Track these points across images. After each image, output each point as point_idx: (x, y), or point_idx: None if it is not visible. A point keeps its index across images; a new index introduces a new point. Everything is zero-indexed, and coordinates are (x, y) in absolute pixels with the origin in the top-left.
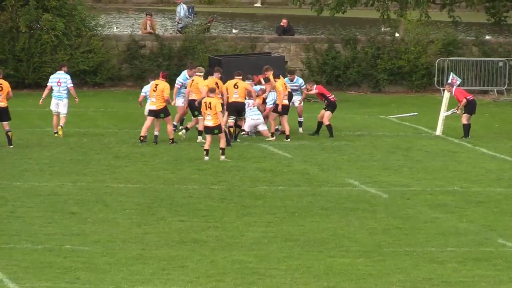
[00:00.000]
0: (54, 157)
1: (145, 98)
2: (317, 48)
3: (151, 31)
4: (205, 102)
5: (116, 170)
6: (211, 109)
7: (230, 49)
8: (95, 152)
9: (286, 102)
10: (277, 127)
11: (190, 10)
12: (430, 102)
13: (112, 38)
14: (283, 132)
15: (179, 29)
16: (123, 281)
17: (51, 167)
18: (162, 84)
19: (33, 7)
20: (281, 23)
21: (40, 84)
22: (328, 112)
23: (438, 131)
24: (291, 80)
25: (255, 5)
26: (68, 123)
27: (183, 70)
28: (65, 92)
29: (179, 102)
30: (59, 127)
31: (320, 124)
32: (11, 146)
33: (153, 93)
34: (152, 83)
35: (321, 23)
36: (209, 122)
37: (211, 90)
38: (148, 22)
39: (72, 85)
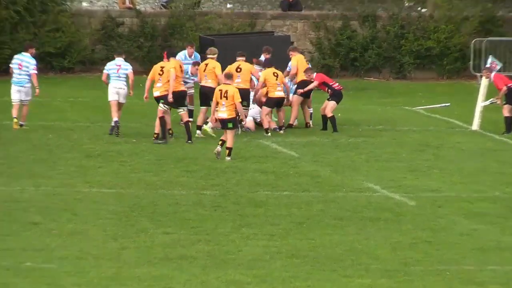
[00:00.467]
0: (13, 156)
1: (109, 77)
2: (329, 26)
3: (131, 5)
4: (221, 90)
5: (88, 172)
6: (227, 99)
7: (225, 27)
8: (63, 151)
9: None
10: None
11: None
12: (464, 90)
13: (84, 14)
14: (290, 125)
15: (164, 3)
16: None
17: (9, 168)
18: (169, 65)
19: None
20: None
21: None
22: (333, 102)
23: (475, 125)
24: None
25: None
26: (30, 115)
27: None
28: (28, 77)
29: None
30: (14, 118)
31: (324, 117)
32: None
33: (159, 77)
34: (156, 65)
35: None
36: (224, 113)
37: (228, 76)
38: None
39: (35, 71)
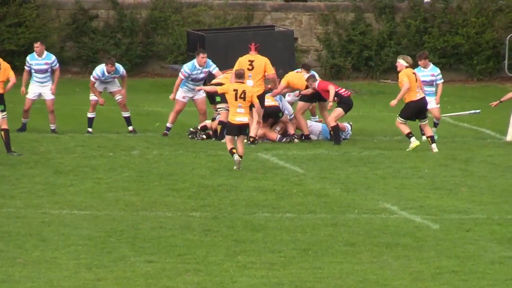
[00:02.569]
0: None
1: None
2: (339, 20)
3: None
4: (236, 90)
5: (57, 191)
6: (244, 100)
7: (217, 20)
8: (27, 166)
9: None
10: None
11: None
12: (498, 94)
13: (51, 6)
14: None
15: None
16: None
17: None
18: (260, 59)
19: None
20: None
21: None
22: (339, 110)
23: (510, 135)
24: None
25: None
26: None
27: (149, 49)
28: None
29: (179, 95)
30: None
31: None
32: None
33: (249, 72)
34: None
35: None
36: (243, 117)
37: (239, 75)
38: None
39: None
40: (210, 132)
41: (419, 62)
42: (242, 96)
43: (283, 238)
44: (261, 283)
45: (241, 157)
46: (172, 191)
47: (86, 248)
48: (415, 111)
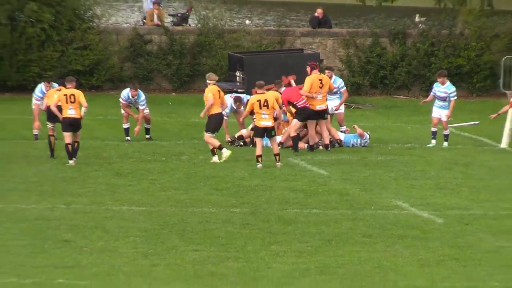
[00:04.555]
0: (43, 175)
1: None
2: (359, 44)
3: (159, 23)
4: (259, 100)
5: (118, 190)
6: (267, 108)
7: (254, 44)
8: (92, 169)
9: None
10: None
11: None
12: (494, 108)
13: (112, 32)
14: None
15: (175, 20)
16: None
17: (40, 187)
18: (326, 78)
19: None
20: (316, 14)
21: (25, 86)
22: (295, 121)
23: (504, 143)
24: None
25: None
26: (58, 134)
27: (195, 69)
28: None
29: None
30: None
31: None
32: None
33: (319, 89)
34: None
35: (365, 13)
36: (268, 121)
37: (260, 86)
38: (156, 12)
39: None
40: (247, 140)
41: (438, 79)
42: (265, 104)
43: (310, 230)
44: (292, 268)
45: (277, 155)
46: (216, 190)
47: (143, 239)
48: None
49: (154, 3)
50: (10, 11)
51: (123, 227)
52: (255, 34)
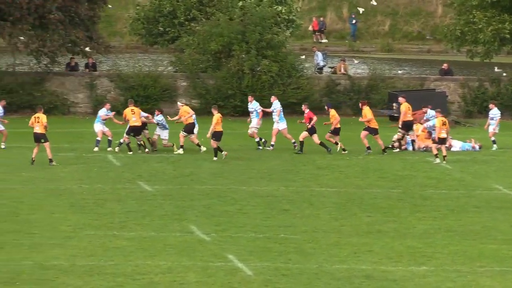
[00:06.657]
0: (271, 168)
1: None
2: (471, 86)
3: (345, 72)
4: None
5: (319, 178)
6: (445, 125)
7: (404, 86)
8: (302, 164)
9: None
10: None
11: (324, 56)
12: None
13: (315, 78)
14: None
15: (317, 70)
16: (324, 262)
17: (269, 175)
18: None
19: (254, 55)
20: (443, 66)
21: None
22: (305, 133)
23: None
24: None
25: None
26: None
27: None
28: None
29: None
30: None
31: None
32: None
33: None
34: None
35: (474, 66)
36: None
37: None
38: (342, 66)
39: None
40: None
41: (490, 105)
42: (444, 123)
43: (440, 203)
44: (429, 228)
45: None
46: (381, 178)
47: (334, 209)
48: None
49: (341, 60)
50: (251, 65)
51: (322, 201)
52: (405, 79)
